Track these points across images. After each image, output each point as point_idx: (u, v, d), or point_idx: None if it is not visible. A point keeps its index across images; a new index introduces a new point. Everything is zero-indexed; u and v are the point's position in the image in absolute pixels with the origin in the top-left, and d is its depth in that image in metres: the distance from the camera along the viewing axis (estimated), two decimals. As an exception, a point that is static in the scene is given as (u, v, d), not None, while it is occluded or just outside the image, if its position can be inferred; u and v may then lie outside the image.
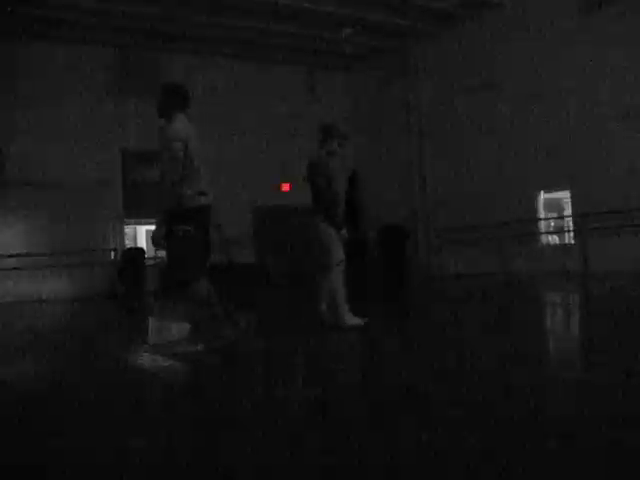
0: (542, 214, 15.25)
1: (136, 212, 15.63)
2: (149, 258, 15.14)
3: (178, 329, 5.83)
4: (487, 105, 15.57)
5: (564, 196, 15.32)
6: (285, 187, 18.09)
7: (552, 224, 16.37)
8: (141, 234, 18.20)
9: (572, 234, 14.78)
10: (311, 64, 18.45)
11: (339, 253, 5.88)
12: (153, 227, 4.79)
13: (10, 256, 14.25)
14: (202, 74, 16.63)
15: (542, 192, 15.01)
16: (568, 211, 15.26)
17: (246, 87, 17.58)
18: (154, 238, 4.68)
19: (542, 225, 15.47)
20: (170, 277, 4.88)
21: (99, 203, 15.39)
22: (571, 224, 14.78)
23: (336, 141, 5.92)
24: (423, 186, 17.42)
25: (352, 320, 5.65)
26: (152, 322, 4.85)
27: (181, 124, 4.71)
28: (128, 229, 17.22)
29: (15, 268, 14.38)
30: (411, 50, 17.58)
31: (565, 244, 15.44)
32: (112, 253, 15.58)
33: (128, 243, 16.94)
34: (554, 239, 16.28)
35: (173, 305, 4.91)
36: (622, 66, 12.90)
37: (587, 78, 13.50)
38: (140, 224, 17.45)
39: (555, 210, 16.60)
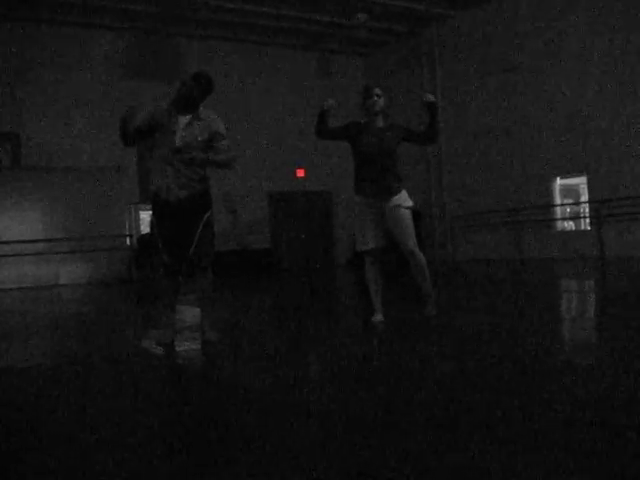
0: (558, 200, 15.15)
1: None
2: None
3: (191, 314, 5.87)
4: (503, 89, 15.46)
5: (581, 182, 15.22)
6: (300, 173, 18.10)
7: (568, 210, 16.28)
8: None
9: (588, 220, 14.70)
10: (327, 50, 18.37)
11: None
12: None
13: (26, 242, 14.38)
14: (217, 59, 16.62)
15: (558, 178, 14.91)
16: (584, 197, 15.16)
17: (260, 72, 17.56)
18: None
19: (558, 211, 15.38)
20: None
21: (115, 188, 15.43)
22: (587, 210, 14.69)
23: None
24: (438, 171, 17.35)
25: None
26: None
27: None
28: (144, 215, 17.28)
29: (31, 254, 14.51)
30: (426, 34, 17.45)
31: (581, 230, 15.36)
32: (128, 239, 15.66)
33: (144, 228, 17.02)
34: (570, 225, 16.20)
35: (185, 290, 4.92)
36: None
37: (604, 60, 13.35)
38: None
39: (571, 196, 16.50)
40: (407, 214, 5.22)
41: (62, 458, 2.30)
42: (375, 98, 5.25)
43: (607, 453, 2.00)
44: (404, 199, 5.26)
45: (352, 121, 5.42)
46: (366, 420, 2.54)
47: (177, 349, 4.55)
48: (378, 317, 5.30)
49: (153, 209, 4.63)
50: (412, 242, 5.22)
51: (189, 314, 6.33)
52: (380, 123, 5.30)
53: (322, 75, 18.48)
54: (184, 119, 4.56)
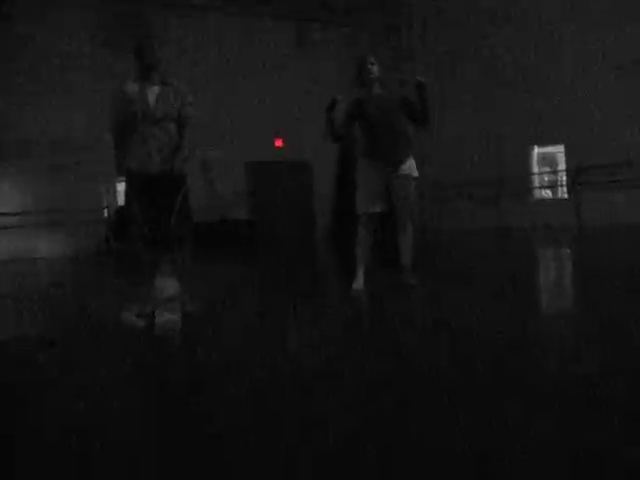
0: (536, 169, 15.22)
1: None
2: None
3: (171, 286, 5.85)
4: (481, 59, 15.43)
5: (558, 151, 15.30)
6: (278, 142, 17.99)
7: (546, 179, 16.37)
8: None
9: (565, 189, 14.81)
10: (305, 19, 18.14)
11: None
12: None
13: (2, 215, 14.21)
14: (194, 29, 16.40)
15: (536, 147, 14.97)
16: (562, 166, 15.24)
17: (236, 42, 17.34)
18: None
19: (536, 180, 15.46)
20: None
21: (92, 161, 15.26)
22: (564, 179, 14.79)
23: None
24: (417, 142, 17.31)
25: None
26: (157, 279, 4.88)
27: None
28: (121, 187, 17.15)
29: (7, 227, 14.35)
30: (406, 3, 17.32)
31: (558, 198, 15.48)
32: (105, 211, 15.52)
33: (120, 201, 16.88)
34: (548, 193, 16.31)
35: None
36: (616, 16, 12.75)
37: (581, 29, 13.35)
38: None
39: (549, 165, 16.59)
40: (412, 185, 5.28)
41: (42, 435, 2.28)
42: (369, 66, 5.23)
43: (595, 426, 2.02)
44: (412, 169, 5.30)
45: (351, 102, 5.32)
46: (348, 394, 2.55)
47: (157, 320, 4.54)
48: (358, 284, 5.31)
49: (130, 182, 4.57)
50: (410, 214, 5.30)
51: (168, 286, 6.31)
52: (379, 90, 5.29)
53: (301, 45, 18.29)
54: (155, 88, 4.54)
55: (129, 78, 4.63)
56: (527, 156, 14.90)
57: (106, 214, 15.53)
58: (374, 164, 5.24)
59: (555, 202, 15.37)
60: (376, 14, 17.98)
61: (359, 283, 5.31)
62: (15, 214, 14.42)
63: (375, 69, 5.25)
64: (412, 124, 5.34)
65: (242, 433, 2.10)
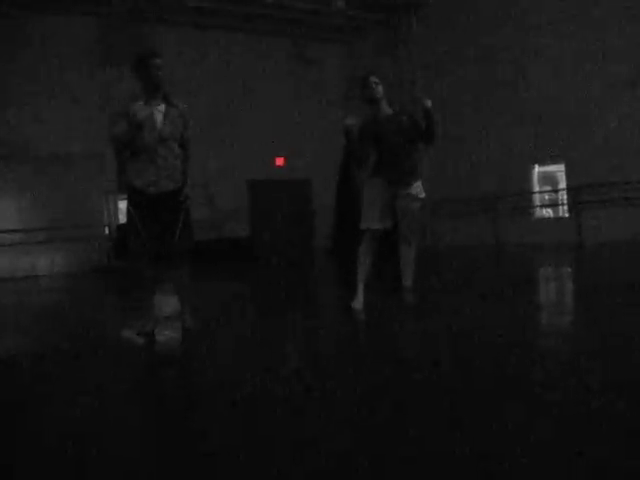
0: (537, 187, 15.26)
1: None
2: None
3: (171, 303, 5.85)
4: (480, 77, 15.51)
5: (558, 169, 15.33)
6: (279, 161, 18.04)
7: (547, 197, 16.39)
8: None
9: (566, 207, 14.81)
10: (304, 37, 18.27)
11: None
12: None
13: (2, 232, 14.21)
14: (193, 47, 16.51)
15: (536, 166, 15.01)
16: (562, 184, 15.27)
17: (237, 60, 17.42)
18: None
19: (537, 198, 15.47)
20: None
21: (93, 178, 15.30)
22: (565, 197, 14.80)
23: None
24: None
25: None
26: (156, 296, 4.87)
27: None
28: (122, 204, 17.18)
29: (8, 244, 14.35)
30: (404, 21, 17.42)
31: (559, 217, 15.49)
32: (106, 228, 15.54)
33: (122, 218, 16.91)
34: (548, 212, 16.32)
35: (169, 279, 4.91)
36: (616, 31, 12.80)
37: (579, 50, 13.41)
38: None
39: (550, 183, 16.62)
40: (418, 207, 5.34)
41: (42, 447, 2.28)
42: (373, 86, 5.25)
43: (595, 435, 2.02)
44: (419, 190, 5.35)
45: (363, 124, 5.32)
46: (346, 407, 2.54)
47: (157, 338, 4.54)
48: (358, 303, 5.30)
49: (135, 199, 4.57)
50: (414, 235, 5.34)
51: (169, 303, 6.31)
52: (387, 110, 5.32)
53: (300, 63, 18.39)
54: (161, 107, 4.56)
55: (134, 96, 4.63)
56: (528, 175, 14.93)
57: (107, 231, 15.54)
58: (382, 182, 5.26)
59: (556, 221, 15.37)
60: (375, 32, 18.04)
61: (359, 301, 5.31)
62: (15, 231, 14.42)
63: (380, 89, 5.27)
64: (419, 142, 5.36)
65: (237, 451, 2.10)
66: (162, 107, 4.57)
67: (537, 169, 15.09)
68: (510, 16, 14.75)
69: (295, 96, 18.06)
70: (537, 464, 1.82)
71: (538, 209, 15.56)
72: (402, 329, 4.57)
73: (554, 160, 14.50)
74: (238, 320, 5.51)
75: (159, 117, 4.54)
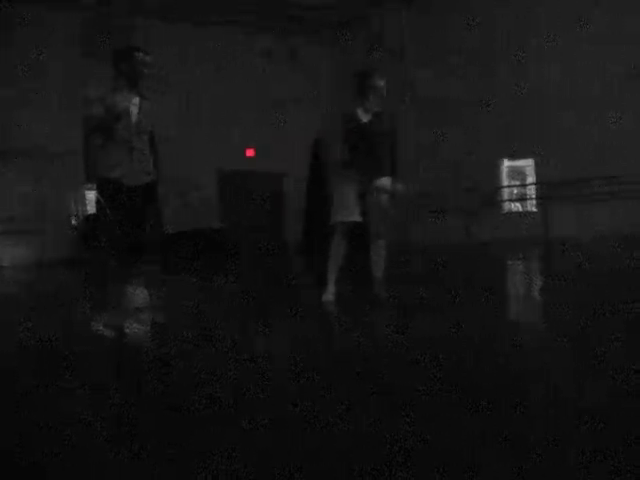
0: (505, 182, 15.39)
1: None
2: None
3: (141, 296, 5.80)
4: (454, 70, 15.57)
5: (527, 164, 15.49)
6: (249, 152, 17.94)
7: (515, 192, 16.55)
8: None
9: (534, 202, 14.98)
10: (290, 31, 18.12)
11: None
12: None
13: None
14: (175, 39, 16.35)
15: (505, 160, 15.15)
16: (531, 179, 15.43)
17: (212, 51, 17.28)
18: None
19: (505, 193, 15.62)
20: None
21: (60, 168, 15.08)
22: (534, 192, 14.96)
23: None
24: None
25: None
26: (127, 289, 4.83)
27: None
28: (90, 195, 16.93)
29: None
30: (392, 17, 17.38)
31: (528, 211, 15.66)
32: (73, 219, 15.34)
33: (90, 209, 16.67)
34: (517, 207, 16.49)
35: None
36: (588, 29, 12.97)
37: (551, 41, 13.55)
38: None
39: (518, 178, 16.78)
40: (387, 199, 5.38)
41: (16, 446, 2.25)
42: (377, 82, 5.27)
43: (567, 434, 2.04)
44: (388, 183, 5.38)
45: (350, 123, 5.31)
46: (316, 395, 2.54)
47: (127, 331, 4.50)
48: (329, 295, 5.34)
49: (106, 190, 4.51)
50: (384, 227, 5.39)
51: (138, 296, 6.25)
52: (376, 107, 5.34)
53: (286, 55, 18.28)
54: (136, 100, 4.54)
55: (106, 86, 4.56)
56: (497, 169, 15.06)
57: (74, 222, 15.33)
58: (352, 176, 5.29)
59: (524, 215, 15.54)
60: (366, 27, 17.94)
61: (329, 294, 5.33)
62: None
63: (383, 86, 5.28)
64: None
65: (211, 448, 2.09)
66: (137, 100, 4.55)
67: (506, 163, 15.22)
68: (496, 13, 14.83)
69: (266, 88, 17.97)
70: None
71: (506, 204, 15.71)
72: (372, 322, 4.59)
73: (523, 155, 14.65)
74: (208, 313, 5.48)
75: (134, 109, 4.52)
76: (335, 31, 18.43)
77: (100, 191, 4.54)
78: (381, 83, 5.30)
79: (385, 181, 5.35)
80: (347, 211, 5.27)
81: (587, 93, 12.98)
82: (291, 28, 17.95)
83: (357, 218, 5.31)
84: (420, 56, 16.34)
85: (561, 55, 13.39)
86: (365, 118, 5.31)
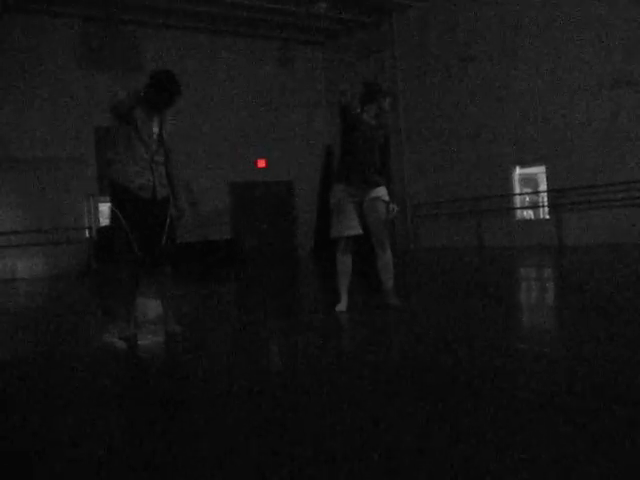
0: (517, 189, 15.35)
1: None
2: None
3: (153, 307, 5.82)
4: (464, 79, 15.58)
5: (539, 171, 15.45)
6: (261, 163, 18.01)
7: (527, 199, 16.51)
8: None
9: (547, 209, 14.91)
10: (287, 39, 18.25)
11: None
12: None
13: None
14: (175, 48, 16.42)
15: (517, 167, 15.10)
16: (543, 186, 15.38)
17: (220, 62, 17.39)
18: None
19: (517, 200, 15.57)
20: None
21: (73, 180, 15.18)
22: (546, 199, 14.90)
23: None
24: (400, 160, 17.41)
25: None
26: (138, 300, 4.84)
27: None
28: (103, 207, 17.04)
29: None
30: (387, 23, 17.46)
31: (540, 219, 15.59)
32: (87, 231, 15.42)
33: (103, 221, 16.77)
34: (529, 214, 16.43)
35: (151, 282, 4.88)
36: (596, 36, 12.92)
37: (561, 49, 13.53)
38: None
39: (530, 185, 16.73)
40: (384, 208, 5.38)
41: (24, 456, 2.25)
42: (388, 100, 5.37)
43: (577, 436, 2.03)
44: (383, 193, 5.40)
45: (350, 112, 5.34)
46: (334, 410, 2.54)
47: (139, 342, 4.50)
48: (342, 306, 5.36)
49: (123, 202, 4.53)
50: (385, 234, 5.40)
51: (151, 307, 6.27)
52: (373, 120, 5.39)
53: (283, 64, 18.37)
54: (156, 118, 4.58)
55: (132, 99, 4.52)
56: (509, 176, 15.02)
57: (88, 234, 15.41)
58: (348, 189, 5.33)
59: (537, 222, 15.49)
60: (358, 34, 18.05)
61: (343, 305, 5.35)
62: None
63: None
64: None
65: (225, 457, 2.08)
66: (157, 118, 4.62)
67: (518, 171, 15.18)
68: (493, 20, 14.85)
69: (278, 97, 18.05)
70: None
71: (519, 211, 15.66)
72: (389, 331, 4.58)
73: (535, 162, 14.60)
74: (221, 323, 5.48)
75: (155, 126, 4.60)
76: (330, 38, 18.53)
77: (116, 201, 4.55)
78: (386, 101, 5.38)
79: (381, 191, 5.39)
80: (346, 226, 5.31)
81: (603, 96, 12.93)
82: (290, 36, 18.04)
83: (357, 231, 5.35)
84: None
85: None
86: (359, 128, 5.33)
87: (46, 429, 2.57)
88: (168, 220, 4.66)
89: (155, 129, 4.58)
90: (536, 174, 16.10)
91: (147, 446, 2.29)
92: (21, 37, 15.01)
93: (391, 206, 5.38)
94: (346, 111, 5.31)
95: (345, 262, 5.40)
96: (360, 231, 5.35)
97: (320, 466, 1.94)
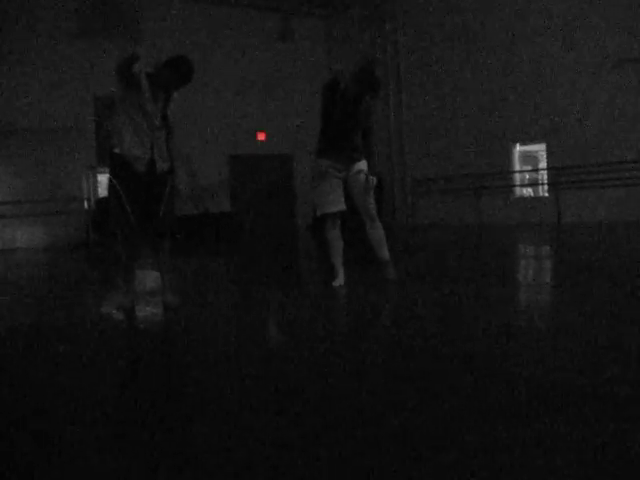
0: (517, 167, 15.32)
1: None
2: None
3: (151, 279, 5.83)
4: (465, 55, 15.48)
5: (539, 149, 15.41)
6: (260, 136, 17.93)
7: (527, 177, 16.48)
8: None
9: (546, 187, 14.90)
10: (287, 10, 18.08)
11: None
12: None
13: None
14: (176, 18, 16.28)
15: (517, 145, 15.07)
16: (543, 164, 15.36)
17: (220, 33, 17.24)
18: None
19: (517, 177, 15.55)
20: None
21: (72, 151, 15.13)
22: (546, 177, 14.88)
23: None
24: (400, 136, 17.36)
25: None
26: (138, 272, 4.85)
27: None
28: (102, 177, 16.99)
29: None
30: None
31: (539, 197, 15.59)
32: (85, 202, 15.40)
33: (102, 192, 16.74)
34: (529, 191, 16.42)
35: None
36: (600, 14, 12.83)
37: (564, 27, 13.43)
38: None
39: (531, 163, 16.69)
40: (364, 179, 5.38)
41: (26, 429, 2.27)
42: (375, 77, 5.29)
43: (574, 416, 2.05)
44: (365, 166, 5.41)
45: (333, 84, 5.28)
46: (330, 386, 2.56)
47: (138, 314, 4.53)
48: (339, 281, 5.38)
49: (121, 174, 4.52)
50: (372, 206, 5.40)
51: (149, 278, 6.29)
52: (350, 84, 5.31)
53: (284, 37, 18.22)
54: (162, 95, 4.57)
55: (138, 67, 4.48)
56: (509, 154, 14.99)
57: (86, 205, 15.39)
58: (332, 165, 5.32)
59: (536, 200, 15.49)
60: (360, 7, 17.88)
61: (340, 280, 5.37)
62: (-6, 204, 14.27)
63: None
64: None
65: (225, 432, 2.11)
66: (161, 94, 4.61)
67: (518, 148, 15.15)
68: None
69: (278, 69, 17.93)
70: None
71: (518, 188, 15.64)
72: (386, 308, 4.60)
73: (535, 140, 14.57)
74: (219, 296, 5.51)
75: (158, 105, 4.59)
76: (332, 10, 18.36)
77: (114, 173, 4.53)
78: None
79: (363, 164, 5.38)
80: (330, 202, 5.33)
81: (605, 76, 12.86)
82: (290, 8, 17.87)
83: (342, 207, 5.36)
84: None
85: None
86: (342, 101, 5.23)
87: (41, 399, 2.59)
88: (167, 191, 4.65)
89: (160, 105, 4.56)
90: (536, 152, 16.05)
91: (139, 424, 2.31)
92: (19, 6, 14.85)
93: (370, 178, 5.37)
94: (333, 88, 5.23)
95: (335, 237, 5.43)
96: (344, 207, 5.37)
97: (318, 439, 1.97)
